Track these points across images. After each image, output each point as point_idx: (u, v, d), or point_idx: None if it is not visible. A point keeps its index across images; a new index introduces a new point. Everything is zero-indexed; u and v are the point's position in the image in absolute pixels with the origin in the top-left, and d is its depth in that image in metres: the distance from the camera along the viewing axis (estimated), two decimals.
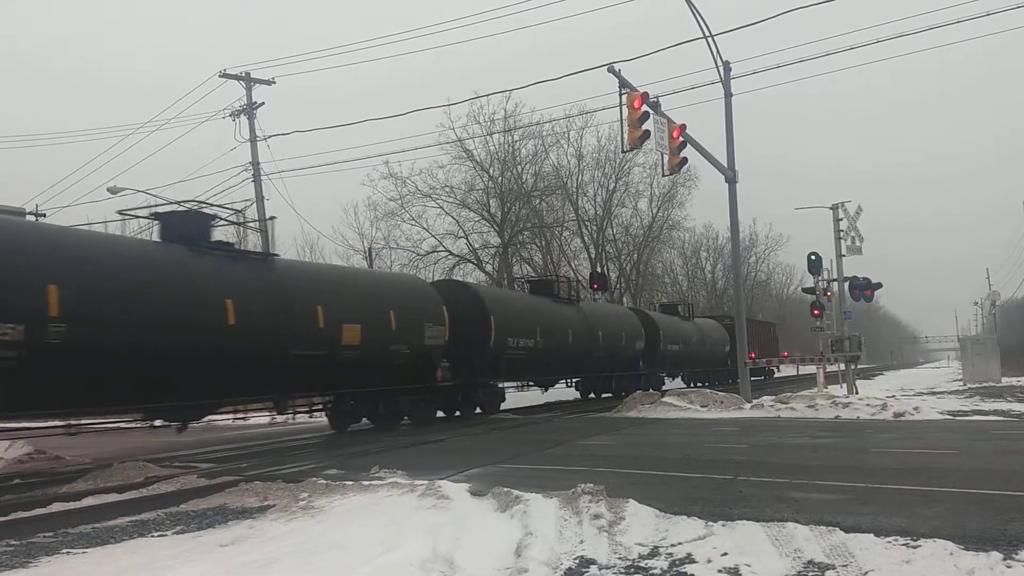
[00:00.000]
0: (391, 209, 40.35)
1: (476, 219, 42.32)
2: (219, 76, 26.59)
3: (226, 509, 7.68)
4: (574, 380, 25.73)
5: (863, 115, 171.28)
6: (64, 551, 6.22)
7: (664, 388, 28.40)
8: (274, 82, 27.19)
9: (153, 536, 6.73)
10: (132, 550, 6.20)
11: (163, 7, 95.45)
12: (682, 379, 34.25)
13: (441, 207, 41.40)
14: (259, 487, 8.34)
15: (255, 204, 26.92)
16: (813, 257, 23.25)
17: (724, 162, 19.91)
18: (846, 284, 23.67)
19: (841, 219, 23.23)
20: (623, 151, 28.14)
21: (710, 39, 19.05)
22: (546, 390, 24.85)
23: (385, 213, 40.48)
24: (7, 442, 11.04)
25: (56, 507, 7.76)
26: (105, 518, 7.34)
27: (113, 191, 25.24)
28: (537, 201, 43.01)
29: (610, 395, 25.75)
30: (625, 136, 17.20)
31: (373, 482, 8.05)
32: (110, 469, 9.88)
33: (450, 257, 41.58)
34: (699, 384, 34.33)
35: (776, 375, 44.95)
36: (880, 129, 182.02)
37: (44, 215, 12.91)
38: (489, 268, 41.91)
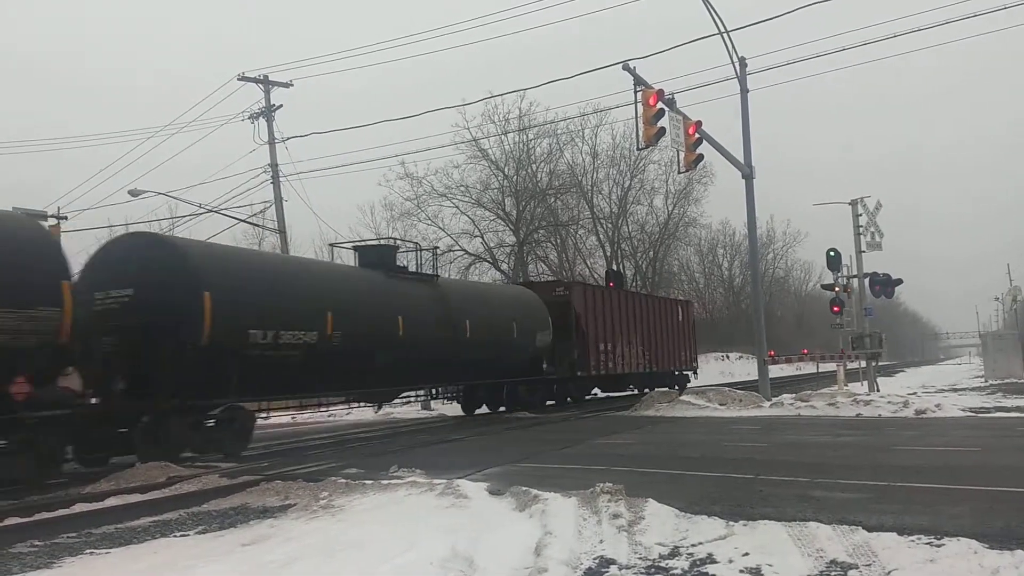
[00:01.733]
0: (407, 209, 40.51)
1: (491, 218, 42.42)
2: (237, 79, 26.81)
3: (247, 508, 7.73)
4: None
5: (881, 108, 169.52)
6: (88, 551, 6.28)
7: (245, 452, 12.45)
8: (292, 85, 27.37)
9: (175, 536, 6.78)
10: (155, 550, 6.25)
11: (177, 12, 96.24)
12: (421, 399, 20.03)
13: (457, 206, 41.52)
14: (280, 486, 8.39)
15: (274, 206, 27.13)
16: (832, 253, 23.05)
17: (740, 158, 19.82)
18: (866, 280, 23.45)
19: (860, 214, 23.00)
20: (638, 148, 27.90)
21: (725, 35, 18.96)
22: None
23: (401, 213, 40.66)
24: None
25: (79, 507, 7.82)
26: (128, 518, 7.40)
27: (134, 193, 25.44)
28: (552, 199, 43.01)
29: None
30: (640, 133, 17.14)
31: (392, 481, 8.06)
32: (132, 469, 9.96)
33: (466, 256, 41.70)
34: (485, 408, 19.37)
35: (692, 383, 27.84)
36: (898, 121, 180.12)
37: (65, 218, 13.07)
38: (505, 267, 41.96)
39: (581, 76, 39.14)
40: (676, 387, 25.76)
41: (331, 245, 17.01)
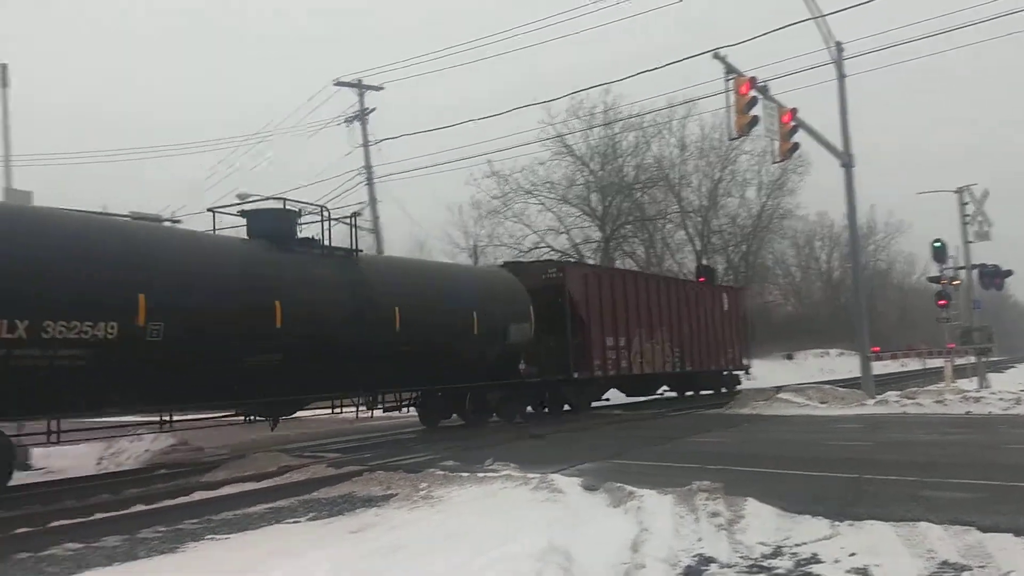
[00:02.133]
0: (494, 207, 40.86)
1: (577, 214, 42.29)
2: (334, 85, 27.98)
3: (354, 497, 8.04)
4: None
5: (988, 86, 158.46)
6: (208, 537, 6.65)
7: None
8: (383, 88, 28.24)
9: (288, 522, 7.11)
10: (270, 536, 6.60)
11: (276, 28, 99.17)
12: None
13: (542, 203, 41.61)
14: (382, 476, 8.69)
15: (369, 207, 28.04)
16: (938, 244, 22.01)
17: (839, 146, 19.15)
18: (974, 272, 22.27)
19: (967, 203, 21.86)
20: (730, 139, 27.32)
21: (820, 19, 18.34)
22: None
23: (488, 211, 41.05)
24: (153, 434, 11.93)
25: (198, 495, 8.30)
26: (243, 505, 7.80)
27: (242, 197, 26.65)
28: (639, 194, 42.50)
29: None
30: (732, 123, 16.80)
31: (488, 474, 8.23)
32: (245, 459, 10.51)
33: (552, 252, 41.73)
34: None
35: (742, 385, 23.89)
36: (1004, 101, 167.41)
37: (179, 221, 13.81)
38: (591, 263, 41.81)
39: (668, 67, 38.38)
40: (724, 389, 22.33)
41: (209, 210, 12.30)
